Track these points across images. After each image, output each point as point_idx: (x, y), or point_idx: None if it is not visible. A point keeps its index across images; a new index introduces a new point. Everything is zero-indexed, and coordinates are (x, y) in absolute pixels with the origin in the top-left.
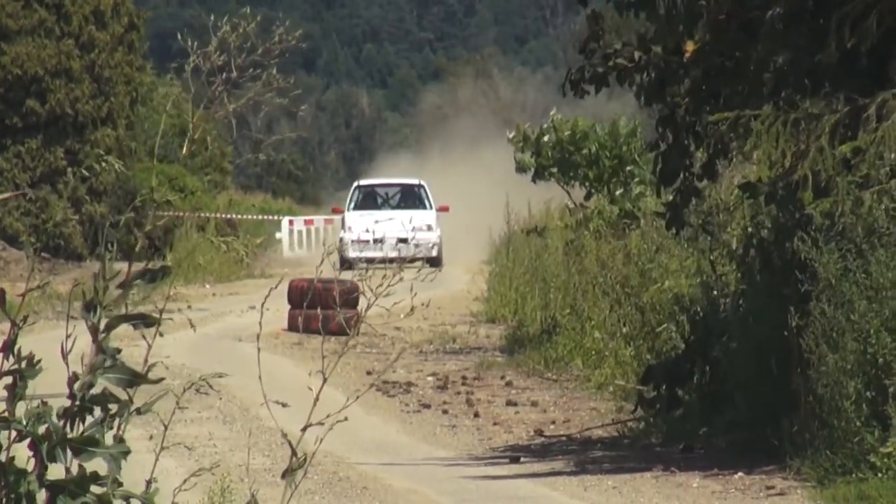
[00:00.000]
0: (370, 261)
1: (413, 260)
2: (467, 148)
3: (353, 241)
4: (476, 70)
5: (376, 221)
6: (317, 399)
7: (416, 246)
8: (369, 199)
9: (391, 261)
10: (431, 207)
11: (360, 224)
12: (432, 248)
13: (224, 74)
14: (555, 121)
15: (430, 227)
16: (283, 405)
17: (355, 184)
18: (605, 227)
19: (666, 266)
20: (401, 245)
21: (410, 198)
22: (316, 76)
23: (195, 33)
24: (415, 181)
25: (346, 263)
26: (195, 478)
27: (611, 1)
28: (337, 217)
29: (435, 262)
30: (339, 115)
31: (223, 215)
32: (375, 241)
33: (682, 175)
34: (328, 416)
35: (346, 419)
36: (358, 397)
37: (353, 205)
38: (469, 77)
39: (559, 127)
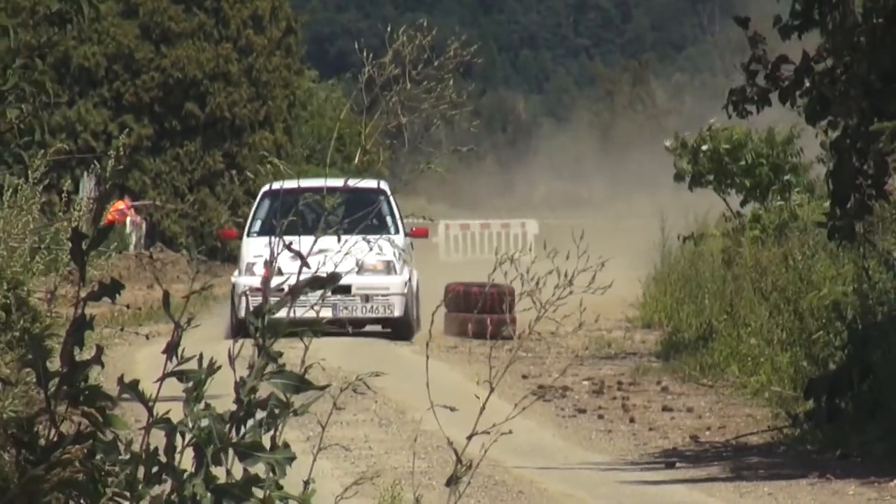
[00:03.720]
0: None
1: (358, 323)
2: (623, 154)
3: (251, 290)
4: (633, 77)
5: (293, 257)
6: (483, 409)
7: (366, 300)
8: (287, 217)
9: (317, 324)
10: (399, 230)
11: (265, 260)
12: (392, 303)
13: (399, 86)
14: (712, 130)
15: (389, 267)
16: (452, 409)
17: (263, 188)
18: (762, 235)
19: (823, 273)
20: (337, 299)
21: (362, 214)
22: (472, 80)
23: (351, 37)
24: (371, 183)
25: (241, 329)
26: (356, 486)
27: (776, 26)
28: (494, 223)
29: (399, 328)
30: (496, 121)
31: None
32: (291, 290)
33: (853, 195)
34: (493, 426)
35: (510, 431)
36: (524, 408)
37: (256, 226)
38: (626, 84)
39: (716, 136)
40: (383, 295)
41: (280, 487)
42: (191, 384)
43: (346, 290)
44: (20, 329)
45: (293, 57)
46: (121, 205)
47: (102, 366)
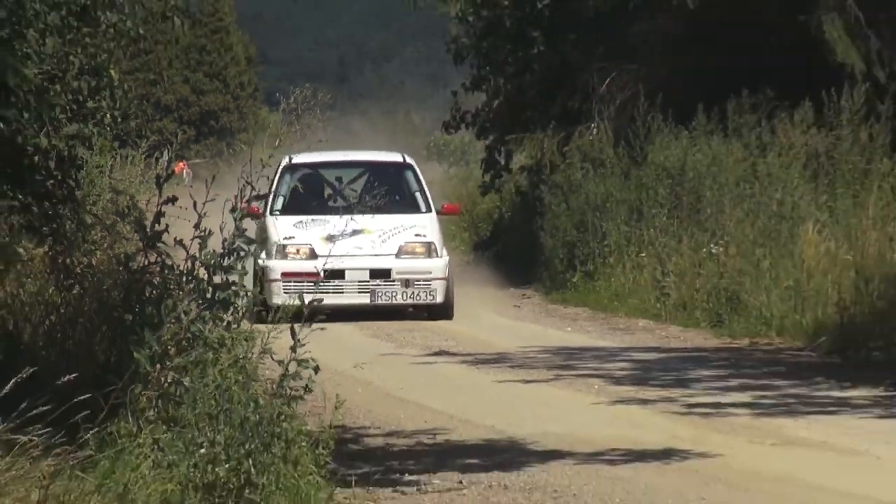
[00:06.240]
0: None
1: (396, 311)
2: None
3: (284, 276)
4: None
5: (329, 237)
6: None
7: (406, 285)
8: (310, 194)
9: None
10: (430, 208)
11: (300, 241)
12: (434, 288)
13: (296, 111)
14: (435, 138)
15: (430, 249)
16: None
17: (284, 161)
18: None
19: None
20: (377, 284)
21: (389, 189)
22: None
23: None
24: (396, 157)
25: (268, 315)
26: None
27: (462, 86)
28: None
29: (441, 313)
30: (344, 132)
31: None
32: (329, 274)
33: (491, 171)
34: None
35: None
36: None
37: (278, 203)
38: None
39: (437, 141)
40: (425, 280)
41: (244, 286)
42: (200, 239)
43: (386, 274)
44: (133, 218)
45: (256, 101)
46: (181, 164)
47: (168, 233)
